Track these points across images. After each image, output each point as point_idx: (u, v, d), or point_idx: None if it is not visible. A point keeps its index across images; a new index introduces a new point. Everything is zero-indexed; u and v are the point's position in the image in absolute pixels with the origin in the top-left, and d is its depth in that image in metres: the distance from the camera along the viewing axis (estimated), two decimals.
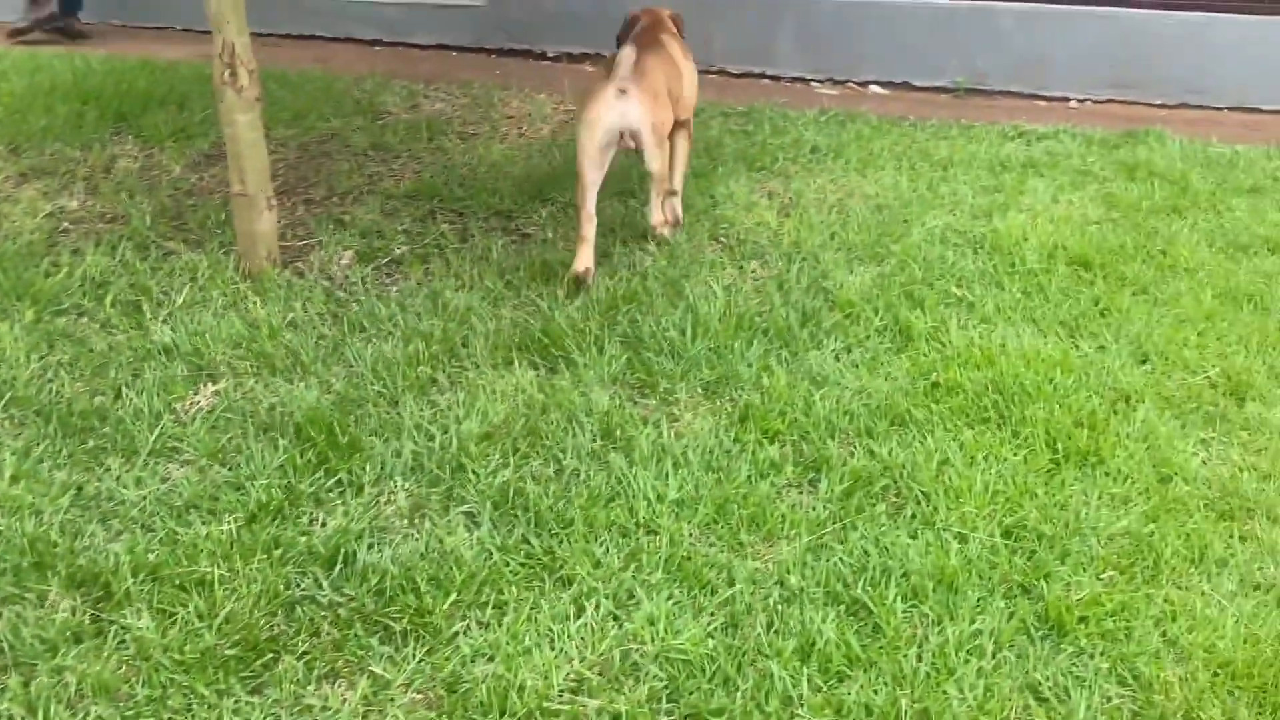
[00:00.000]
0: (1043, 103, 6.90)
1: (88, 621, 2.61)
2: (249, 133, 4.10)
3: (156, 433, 3.26)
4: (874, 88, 7.24)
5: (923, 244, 4.55)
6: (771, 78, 7.41)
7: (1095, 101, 6.88)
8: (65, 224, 4.72)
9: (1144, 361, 3.76)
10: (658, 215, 4.55)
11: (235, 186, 4.16)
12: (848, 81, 7.31)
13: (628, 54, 4.19)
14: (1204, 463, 3.26)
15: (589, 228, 4.24)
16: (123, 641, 2.56)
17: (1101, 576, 2.80)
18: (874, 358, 3.74)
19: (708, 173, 5.37)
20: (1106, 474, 3.17)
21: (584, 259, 4.23)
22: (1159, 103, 6.77)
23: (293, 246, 4.50)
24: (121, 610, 2.63)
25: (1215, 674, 2.53)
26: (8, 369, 3.56)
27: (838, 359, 3.74)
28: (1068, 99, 6.92)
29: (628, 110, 4.18)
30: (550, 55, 7.74)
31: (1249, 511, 3.05)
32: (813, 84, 7.32)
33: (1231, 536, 2.96)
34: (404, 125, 5.96)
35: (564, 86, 6.76)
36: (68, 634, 2.57)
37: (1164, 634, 2.63)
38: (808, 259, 4.46)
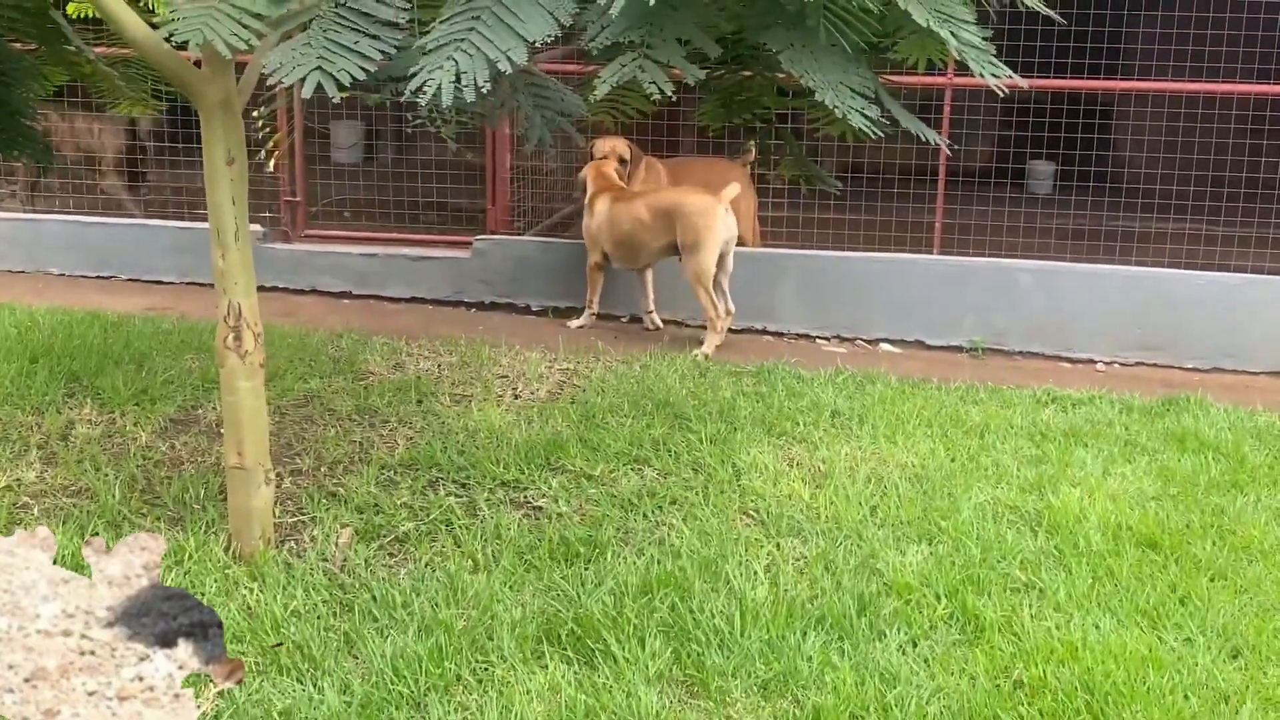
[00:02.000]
0: (1068, 364, 7.20)
1: None
2: (251, 400, 4.16)
3: None
4: (884, 345, 7.52)
5: (974, 521, 4.66)
6: (774, 334, 7.68)
7: (1123, 364, 7.19)
8: (24, 498, 4.71)
9: (1236, 656, 3.82)
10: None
11: (232, 458, 4.19)
12: (856, 339, 7.59)
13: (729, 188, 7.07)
14: None
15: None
16: None
17: None
18: (945, 652, 3.77)
19: (726, 438, 5.50)
20: None
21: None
22: (1191, 366, 7.09)
23: (284, 524, 4.51)
24: None
25: None
26: None
27: (904, 652, 3.77)
28: (1094, 361, 7.22)
29: (731, 224, 7.10)
30: (534, 309, 7.99)
31: None
32: (818, 341, 7.59)
33: None
34: (390, 386, 6.08)
35: (556, 343, 6.96)
36: None
37: None
38: (850, 536, 4.54)
